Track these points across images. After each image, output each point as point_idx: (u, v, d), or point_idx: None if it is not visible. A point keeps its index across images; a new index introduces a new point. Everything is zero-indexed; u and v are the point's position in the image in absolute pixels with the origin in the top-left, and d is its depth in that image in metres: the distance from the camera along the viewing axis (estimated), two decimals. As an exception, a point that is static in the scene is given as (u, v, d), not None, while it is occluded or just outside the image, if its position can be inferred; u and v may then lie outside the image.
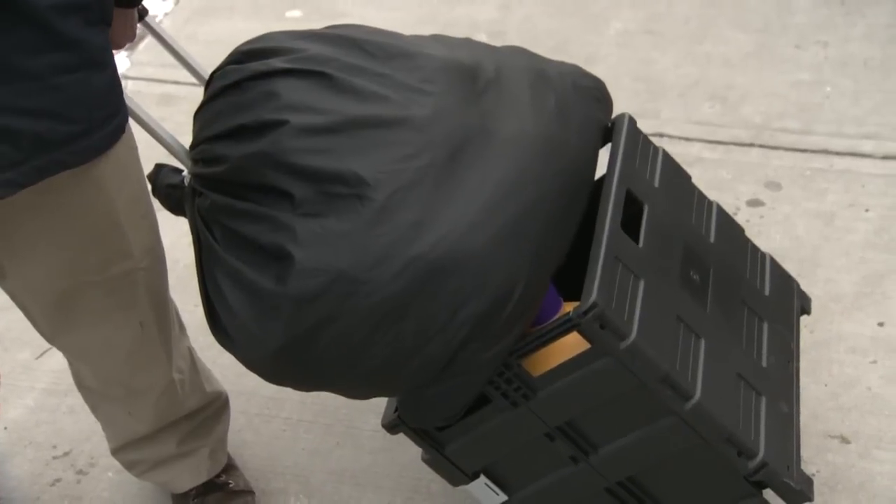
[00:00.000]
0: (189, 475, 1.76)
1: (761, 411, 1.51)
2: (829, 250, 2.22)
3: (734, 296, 1.61)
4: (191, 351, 1.73)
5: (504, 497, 1.57)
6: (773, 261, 1.75)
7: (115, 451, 1.75)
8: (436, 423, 1.49)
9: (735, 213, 2.31)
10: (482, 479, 1.55)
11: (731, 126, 2.56)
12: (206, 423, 1.75)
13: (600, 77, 1.64)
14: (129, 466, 1.77)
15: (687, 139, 2.52)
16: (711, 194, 2.32)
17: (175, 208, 1.51)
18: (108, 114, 1.33)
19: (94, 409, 1.71)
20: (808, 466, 1.81)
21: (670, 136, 2.54)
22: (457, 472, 1.55)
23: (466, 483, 1.56)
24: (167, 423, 1.69)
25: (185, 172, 1.48)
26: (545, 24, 2.94)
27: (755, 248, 1.74)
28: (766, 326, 1.63)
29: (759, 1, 2.97)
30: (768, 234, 2.26)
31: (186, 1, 3.19)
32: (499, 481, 1.56)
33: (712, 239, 1.65)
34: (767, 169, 2.43)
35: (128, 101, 1.40)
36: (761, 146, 2.50)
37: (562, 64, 1.59)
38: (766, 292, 1.69)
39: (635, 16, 2.95)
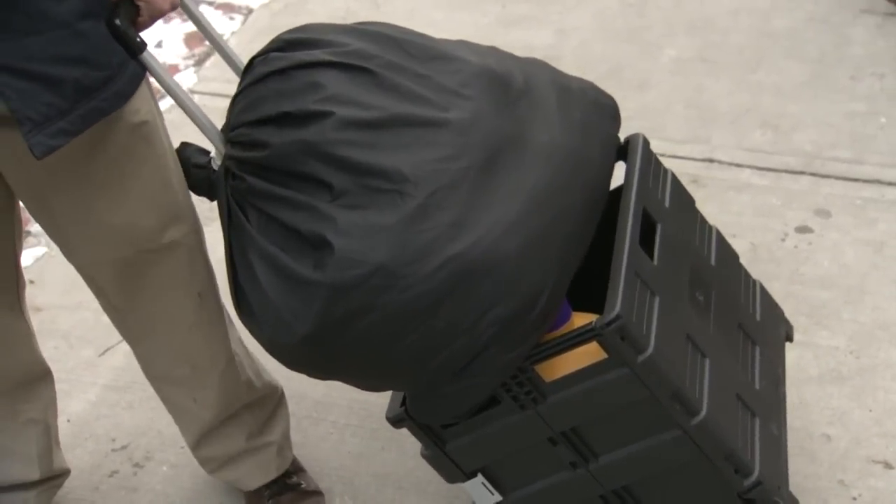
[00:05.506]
0: (259, 472, 1.80)
1: (756, 431, 1.55)
2: (878, 278, 2.22)
3: (732, 319, 1.65)
4: (240, 338, 1.78)
5: (499, 497, 1.59)
6: (762, 288, 1.80)
7: (193, 448, 1.80)
8: (444, 421, 1.52)
9: (783, 239, 2.33)
10: (479, 477, 1.58)
11: (782, 154, 2.58)
12: (271, 419, 1.80)
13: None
14: (204, 463, 1.81)
15: (737, 165, 2.55)
16: (759, 220, 2.38)
17: (196, 187, 1.53)
18: (124, 58, 1.39)
19: (165, 401, 1.76)
20: (850, 490, 1.82)
21: (720, 162, 2.56)
22: (455, 470, 1.58)
23: (463, 481, 1.59)
24: (231, 412, 1.73)
25: (213, 153, 1.49)
26: (600, 49, 2.99)
27: (748, 275, 1.79)
28: (758, 350, 1.67)
29: (815, 32, 2.98)
30: (816, 260, 2.27)
31: (252, 21, 3.31)
32: (495, 481, 1.58)
33: (713, 262, 1.69)
34: (817, 197, 2.44)
35: (167, 79, 1.43)
36: (812, 174, 2.51)
37: (580, 80, 1.61)
38: (758, 318, 1.73)
39: (691, 43, 2.99)
